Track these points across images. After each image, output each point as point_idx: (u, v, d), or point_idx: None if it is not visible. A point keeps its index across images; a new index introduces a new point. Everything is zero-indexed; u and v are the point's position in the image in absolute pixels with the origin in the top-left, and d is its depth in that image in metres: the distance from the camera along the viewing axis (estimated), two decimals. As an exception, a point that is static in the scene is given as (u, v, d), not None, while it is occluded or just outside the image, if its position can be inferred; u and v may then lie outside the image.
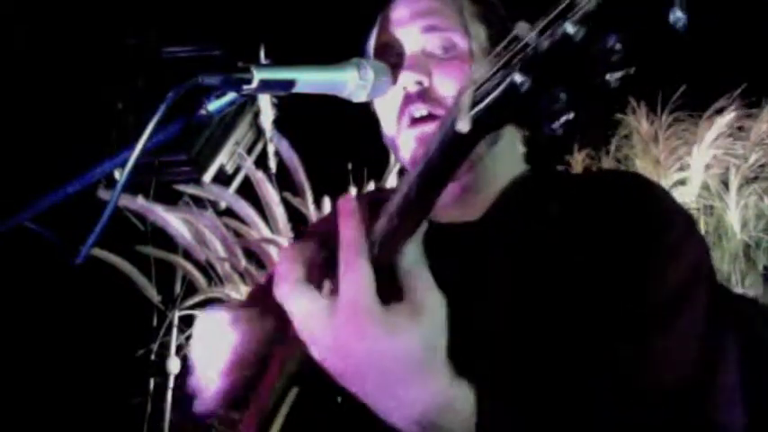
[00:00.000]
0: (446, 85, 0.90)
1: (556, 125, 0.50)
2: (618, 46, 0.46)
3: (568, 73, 0.48)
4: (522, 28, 0.51)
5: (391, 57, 0.94)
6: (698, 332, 0.74)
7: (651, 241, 0.79)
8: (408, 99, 0.91)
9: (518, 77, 0.50)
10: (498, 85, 0.52)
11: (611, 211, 0.82)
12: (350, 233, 0.67)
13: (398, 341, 0.63)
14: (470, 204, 0.94)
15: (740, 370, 0.73)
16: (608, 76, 0.48)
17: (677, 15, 0.44)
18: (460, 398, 0.65)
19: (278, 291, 0.69)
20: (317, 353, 0.67)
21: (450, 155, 0.60)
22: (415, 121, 0.91)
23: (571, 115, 0.50)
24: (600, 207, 0.84)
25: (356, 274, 0.64)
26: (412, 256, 0.66)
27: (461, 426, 0.65)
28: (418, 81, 0.90)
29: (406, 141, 0.93)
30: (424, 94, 0.90)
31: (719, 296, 0.79)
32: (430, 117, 0.90)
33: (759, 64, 3.25)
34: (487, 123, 0.56)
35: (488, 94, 0.54)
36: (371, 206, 1.08)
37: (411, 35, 0.93)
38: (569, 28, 0.46)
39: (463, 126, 0.55)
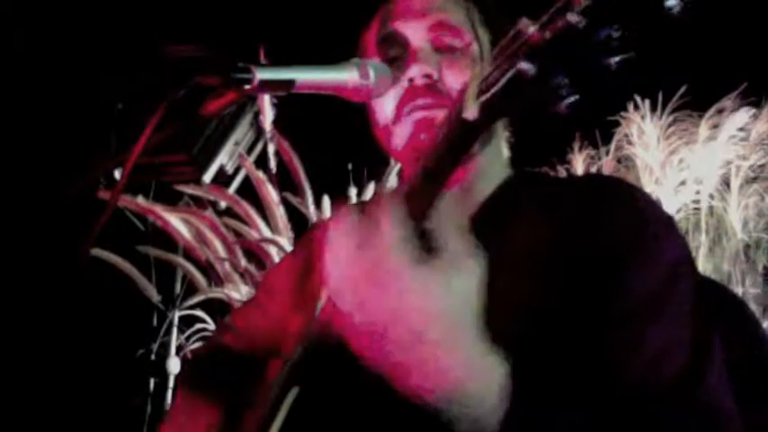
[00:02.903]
0: (455, 81, 0.91)
1: (561, 108, 0.54)
2: (616, 33, 0.50)
3: (571, 59, 0.52)
4: (524, 23, 0.55)
5: (393, 49, 0.94)
6: (681, 329, 0.73)
7: (632, 237, 0.79)
8: (415, 91, 0.91)
9: (524, 65, 0.54)
10: (504, 73, 0.56)
11: (592, 212, 0.83)
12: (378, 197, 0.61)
13: (431, 296, 0.57)
14: (464, 204, 0.94)
15: (723, 364, 0.72)
16: (608, 61, 0.51)
17: (671, 2, 0.47)
18: (494, 365, 0.59)
19: (320, 243, 0.62)
20: (342, 305, 0.60)
21: (457, 143, 0.63)
22: (419, 109, 0.91)
23: (575, 98, 0.53)
24: (582, 207, 0.84)
25: (386, 214, 0.58)
26: (447, 215, 0.61)
27: (491, 400, 0.58)
28: (428, 74, 0.90)
29: (404, 127, 0.92)
30: (432, 87, 0.91)
31: (704, 293, 0.79)
32: (435, 106, 0.90)
33: (759, 64, 3.25)
34: (493, 111, 0.59)
35: (496, 82, 0.57)
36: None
37: (420, 29, 0.93)
38: (572, 18, 0.50)
39: (470, 113, 0.58)
